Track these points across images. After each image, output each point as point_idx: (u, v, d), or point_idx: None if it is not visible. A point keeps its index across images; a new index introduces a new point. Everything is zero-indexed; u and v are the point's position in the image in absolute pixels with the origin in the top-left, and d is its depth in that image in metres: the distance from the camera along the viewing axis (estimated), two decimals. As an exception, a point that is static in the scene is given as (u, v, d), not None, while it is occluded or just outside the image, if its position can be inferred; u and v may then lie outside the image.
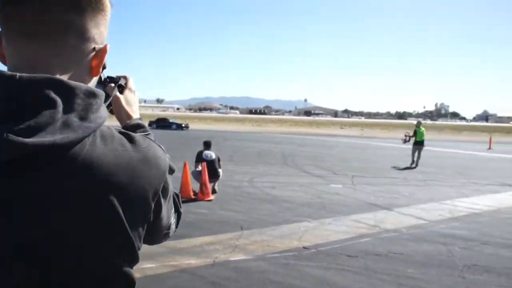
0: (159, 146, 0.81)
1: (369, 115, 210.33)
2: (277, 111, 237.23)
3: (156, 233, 0.83)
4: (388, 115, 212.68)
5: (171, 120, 44.15)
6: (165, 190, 0.78)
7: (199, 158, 8.83)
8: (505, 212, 8.08)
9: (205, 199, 8.12)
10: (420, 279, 4.56)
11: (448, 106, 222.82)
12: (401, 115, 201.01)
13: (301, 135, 38.83)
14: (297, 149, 22.34)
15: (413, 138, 16.18)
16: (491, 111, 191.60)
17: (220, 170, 9.01)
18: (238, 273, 4.57)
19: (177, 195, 0.93)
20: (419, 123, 16.33)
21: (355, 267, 4.86)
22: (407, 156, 19.00)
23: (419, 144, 15.70)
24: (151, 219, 0.75)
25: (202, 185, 8.19)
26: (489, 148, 28.02)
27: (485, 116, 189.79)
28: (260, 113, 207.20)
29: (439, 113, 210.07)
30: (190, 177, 8.46)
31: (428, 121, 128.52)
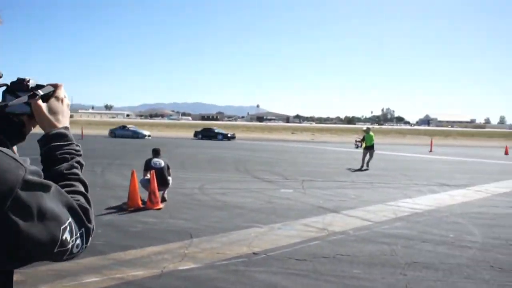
0: (14, 159, 0.76)
1: (319, 120, 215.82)
2: (230, 117, 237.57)
3: (30, 253, 0.77)
4: (338, 120, 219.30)
5: (216, 130, 40.51)
6: (23, 207, 0.72)
7: (148, 166, 8.63)
8: (443, 211, 8.57)
9: (154, 207, 7.94)
10: (365, 278, 4.73)
11: (393, 111, 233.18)
12: (350, 120, 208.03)
13: (254, 141, 39.08)
14: (249, 154, 22.45)
15: (364, 143, 17.08)
16: (432, 115, 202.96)
17: (169, 178, 8.85)
18: (186, 282, 4.50)
19: (84, 208, 0.90)
20: (368, 129, 17.35)
21: (303, 270, 4.95)
22: (355, 160, 19.67)
23: (369, 149, 16.55)
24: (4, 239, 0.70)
25: (151, 193, 8.00)
26: (430, 151, 29.66)
27: (427, 121, 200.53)
28: (213, 119, 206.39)
29: (385, 118, 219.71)
30: (138, 185, 8.25)
31: (376, 126, 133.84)
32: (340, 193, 10.52)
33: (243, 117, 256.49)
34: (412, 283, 4.62)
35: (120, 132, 38.32)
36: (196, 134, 40.47)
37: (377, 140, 32.72)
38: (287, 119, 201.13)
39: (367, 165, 16.20)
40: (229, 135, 38.75)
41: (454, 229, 7.05)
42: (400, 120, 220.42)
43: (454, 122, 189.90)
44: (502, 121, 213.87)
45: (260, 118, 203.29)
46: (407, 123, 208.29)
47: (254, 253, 5.51)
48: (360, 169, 15.96)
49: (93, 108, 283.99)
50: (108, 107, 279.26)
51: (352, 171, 15.73)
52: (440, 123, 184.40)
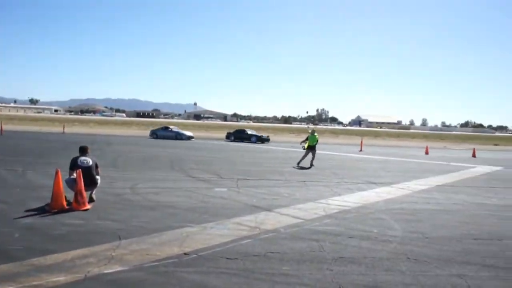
0: None
1: (257, 119, 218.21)
2: (166, 114, 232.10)
3: None
4: (275, 119, 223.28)
5: (249, 132, 38.79)
6: None
7: (74, 165, 8.16)
8: (369, 208, 9.06)
9: (81, 209, 7.53)
10: (293, 275, 4.85)
11: (328, 112, 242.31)
12: (286, 120, 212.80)
13: (191, 139, 38.56)
14: (185, 153, 22.13)
15: (306, 143, 18.30)
16: (363, 116, 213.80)
17: (98, 177, 8.45)
18: (112, 286, 4.33)
19: None
20: (313, 131, 18.60)
21: (234, 269, 4.97)
22: (291, 158, 20.20)
23: (311, 148, 17.77)
24: None
25: (77, 193, 7.58)
26: (361, 150, 31.25)
27: (358, 121, 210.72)
28: (149, 116, 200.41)
29: (320, 118, 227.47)
30: (63, 185, 7.77)
31: (311, 125, 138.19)
32: (274, 191, 10.72)
33: (180, 114, 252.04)
34: (337, 277, 4.82)
35: (162, 133, 37.11)
36: (228, 136, 38.99)
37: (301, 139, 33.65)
38: (224, 117, 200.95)
39: (311, 164, 17.34)
40: (263, 137, 37.42)
41: (378, 225, 7.48)
42: (334, 120, 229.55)
43: (383, 123, 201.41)
44: (424, 123, 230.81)
45: (197, 116, 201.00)
46: (340, 123, 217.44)
47: (185, 254, 5.43)
48: (302, 167, 16.82)
49: (15, 102, 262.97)
50: (33, 101, 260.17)
51: (297, 168, 16.57)
52: (370, 124, 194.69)
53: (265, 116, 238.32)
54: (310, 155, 17.74)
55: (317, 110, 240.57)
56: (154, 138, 36.54)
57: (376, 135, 75.98)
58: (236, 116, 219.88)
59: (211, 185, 11.40)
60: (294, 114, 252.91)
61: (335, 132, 75.58)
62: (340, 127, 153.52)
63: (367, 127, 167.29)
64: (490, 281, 4.94)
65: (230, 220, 7.38)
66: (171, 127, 40.21)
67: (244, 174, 13.80)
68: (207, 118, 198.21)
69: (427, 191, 11.82)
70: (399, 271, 5.15)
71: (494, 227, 7.77)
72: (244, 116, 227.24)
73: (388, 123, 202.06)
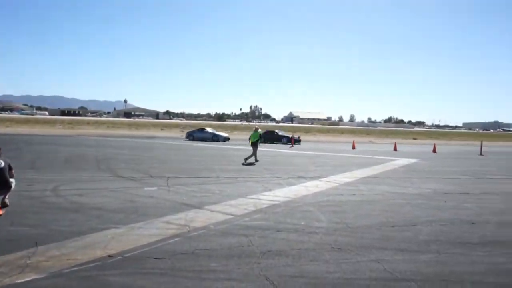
0: None
1: (190, 116, 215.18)
2: (94, 112, 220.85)
3: None
4: (208, 116, 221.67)
5: (280, 133, 37.81)
6: None
7: (-16, 167, 7.46)
8: (298, 201, 9.34)
9: (-8, 215, 6.92)
10: (221, 271, 4.86)
11: (261, 109, 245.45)
12: (220, 117, 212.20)
13: (120, 137, 37.09)
14: (113, 152, 21.22)
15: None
16: (295, 113, 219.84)
17: (12, 180, 7.79)
18: (26, 296, 4.03)
19: None
20: (256, 129, 19.48)
21: (161, 268, 4.87)
22: (223, 156, 20.22)
23: (253, 145, 18.73)
24: None
25: (-12, 198, 6.96)
26: (292, 146, 32.17)
27: (290, 118, 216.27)
28: (75, 114, 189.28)
29: (253, 115, 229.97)
30: (-29, 190, 7.08)
31: (245, 123, 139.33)
32: (205, 189, 10.65)
33: (109, 112, 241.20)
34: (265, 270, 4.91)
35: (198, 135, 37.06)
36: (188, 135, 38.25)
37: (246, 137, 33.97)
38: (156, 115, 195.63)
39: (255, 159, 18.27)
40: (295, 138, 36.41)
41: (306, 217, 7.74)
42: (267, 117, 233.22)
43: (314, 119, 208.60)
44: (352, 119, 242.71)
45: (127, 114, 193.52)
46: (273, 120, 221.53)
47: (109, 256, 5.21)
48: (249, 163, 17.58)
49: None
50: None
51: (244, 165, 16.94)
52: (302, 120, 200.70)
53: (199, 114, 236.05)
54: (255, 150, 18.61)
55: (251, 107, 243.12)
56: (190, 140, 36.36)
57: (308, 131, 78.46)
58: (168, 114, 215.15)
59: (140, 184, 11.05)
60: (227, 111, 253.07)
61: (268, 129, 76.74)
62: (273, 123, 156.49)
63: (299, 123, 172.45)
64: (404, 264, 5.33)
65: (159, 219, 7.20)
66: (207, 128, 39.94)
67: (175, 172, 13.56)
68: (138, 116, 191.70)
69: (352, 184, 12.46)
70: (324, 260, 5.37)
71: (409, 214, 8.40)
72: (177, 113, 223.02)
73: (319, 119, 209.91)
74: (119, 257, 5.19)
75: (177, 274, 4.72)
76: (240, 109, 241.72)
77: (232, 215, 7.75)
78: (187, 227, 6.72)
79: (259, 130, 19.64)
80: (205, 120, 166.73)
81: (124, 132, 39.93)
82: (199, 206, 8.37)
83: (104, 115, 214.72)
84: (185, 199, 9.15)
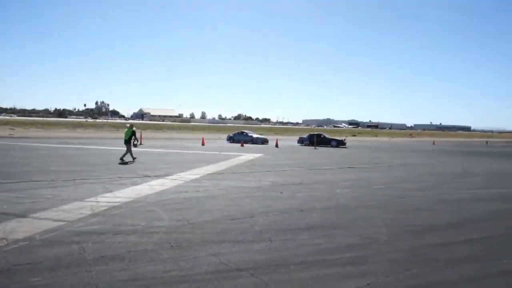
0: None
1: (23, 112, 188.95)
2: None
3: None
4: (47, 112, 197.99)
5: (327, 136, 39.57)
6: None
7: None
8: (140, 201, 9.04)
9: None
10: (44, 285, 4.38)
11: (108, 105, 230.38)
12: (61, 113, 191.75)
13: None
14: None
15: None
16: (146, 110, 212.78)
17: None
18: None
19: None
20: (131, 126, 19.17)
21: (-35, 292, 4.14)
22: (56, 156, 18.38)
23: (127, 143, 18.28)
24: None
25: None
26: (141, 143, 31.07)
27: (141, 115, 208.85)
28: None
29: (100, 111, 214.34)
30: None
31: (90, 119, 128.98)
32: (34, 194, 9.47)
33: None
34: (96, 278, 4.61)
35: (238, 137, 39.03)
36: (302, 141, 39.44)
37: (88, 135, 31.64)
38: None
39: (128, 158, 17.85)
40: (343, 141, 38.81)
41: (147, 217, 7.54)
42: (115, 114, 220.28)
43: (165, 116, 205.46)
44: (203, 116, 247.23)
45: None
46: (122, 117, 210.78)
47: None
48: (125, 162, 17.22)
49: None
50: None
51: (121, 164, 16.08)
52: (153, 117, 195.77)
53: (34, 109, 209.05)
54: (128, 148, 18.22)
55: (96, 103, 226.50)
56: (231, 142, 38.60)
57: (158, 128, 76.92)
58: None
59: None
60: (69, 107, 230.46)
61: (115, 126, 72.70)
62: (122, 120, 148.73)
63: (150, 120, 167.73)
64: (239, 254, 5.63)
65: (-33, 234, 6.11)
66: (246, 131, 42.54)
67: (-3, 177, 11.73)
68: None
69: (198, 180, 12.65)
70: (161, 259, 5.30)
71: (248, 206, 8.93)
72: (6, 109, 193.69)
73: (171, 116, 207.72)
74: None
75: (-14, 296, 4.07)
76: (85, 105, 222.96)
77: (64, 221, 7.06)
78: (4, 240, 5.85)
79: (134, 128, 19.08)
80: (42, 116, 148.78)
81: None
82: (23, 215, 7.38)
83: None
84: (5, 207, 7.94)
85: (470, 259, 5.89)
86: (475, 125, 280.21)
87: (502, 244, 6.82)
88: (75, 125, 66.85)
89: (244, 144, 34.52)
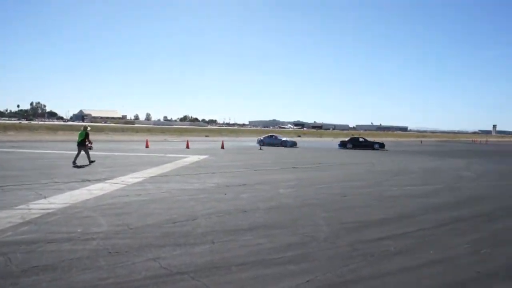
0: None
1: None
2: None
3: None
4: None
5: (368, 139, 42.57)
6: None
7: None
8: (78, 207, 8.62)
9: None
10: (-37, 301, 4.04)
11: (45, 106, 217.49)
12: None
13: None
14: None
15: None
16: (86, 111, 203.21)
17: None
18: None
19: None
20: (85, 128, 18.46)
21: None
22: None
23: (80, 145, 17.77)
24: None
25: None
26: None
27: (81, 116, 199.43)
28: None
29: (36, 113, 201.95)
30: None
31: (24, 121, 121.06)
32: (-43, 202, 8.73)
33: None
34: (24, 290, 4.32)
35: (268, 141, 40.34)
36: (344, 144, 40.52)
37: (24, 138, 29.75)
38: None
39: (89, 160, 17.57)
40: (382, 143, 40.50)
41: (84, 224, 7.20)
42: (53, 115, 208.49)
43: (107, 118, 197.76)
44: (148, 117, 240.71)
45: None
46: (61, 118, 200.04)
47: None
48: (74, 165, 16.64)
49: None
50: None
51: (75, 167, 13.94)
52: (94, 119, 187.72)
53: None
54: (82, 152, 17.76)
55: (32, 104, 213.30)
56: (261, 145, 38.18)
57: (100, 130, 73.82)
58: None
59: None
60: (1, 107, 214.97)
61: (52, 128, 68.89)
62: (61, 122, 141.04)
63: (92, 122, 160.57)
64: (180, 258, 5.55)
65: None
66: (275, 134, 44.64)
67: None
68: None
69: (140, 183, 12.30)
70: (97, 267, 5.09)
71: (191, 209, 8.82)
72: None
73: (113, 118, 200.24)
74: None
75: None
76: (18, 106, 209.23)
77: (-11, 231, 6.56)
78: None
79: (89, 129, 18.59)
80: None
81: None
82: None
83: None
84: None
85: (402, 252, 6.23)
86: (411, 125, 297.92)
87: (431, 236, 7.28)
88: (7, 128, 62.45)
89: (272, 147, 36.63)
